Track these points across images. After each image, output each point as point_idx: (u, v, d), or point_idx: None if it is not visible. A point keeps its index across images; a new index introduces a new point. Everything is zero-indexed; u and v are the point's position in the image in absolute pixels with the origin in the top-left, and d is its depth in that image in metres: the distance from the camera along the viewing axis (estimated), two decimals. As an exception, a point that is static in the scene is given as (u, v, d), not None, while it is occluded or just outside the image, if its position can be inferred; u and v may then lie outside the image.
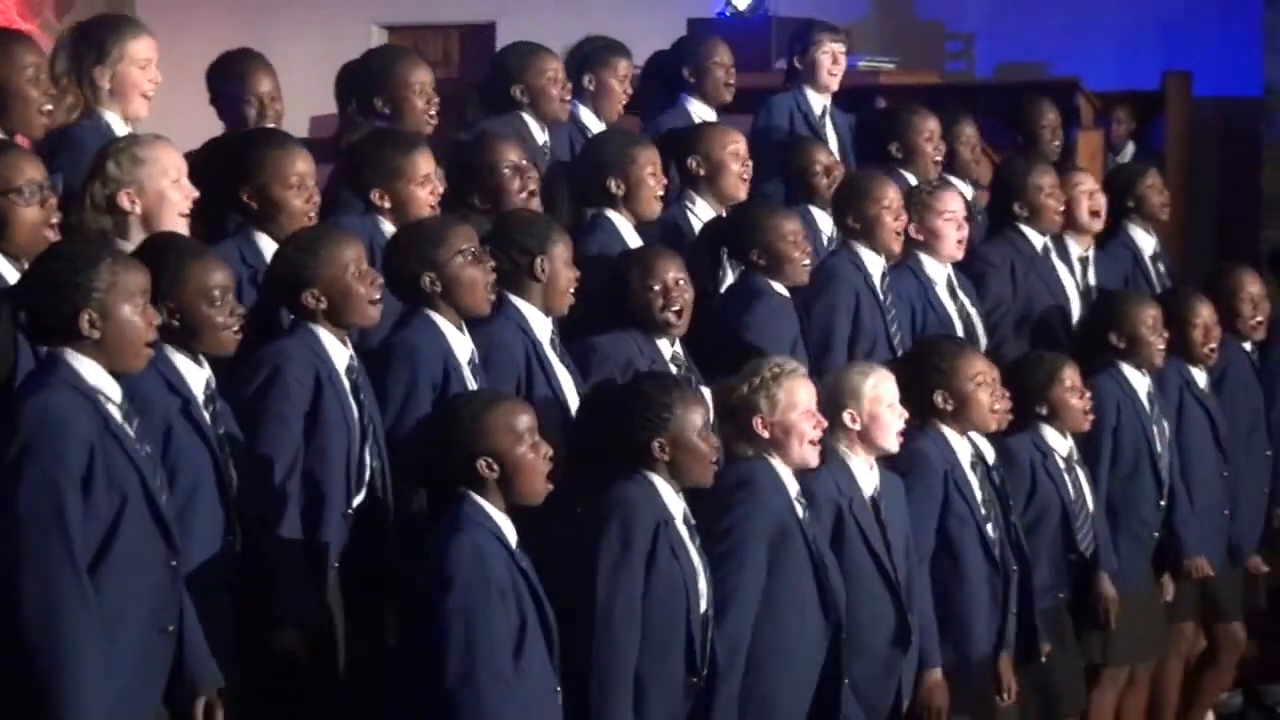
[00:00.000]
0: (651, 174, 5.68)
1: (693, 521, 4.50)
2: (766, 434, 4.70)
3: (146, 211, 4.72)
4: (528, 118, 6.12)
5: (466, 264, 4.74)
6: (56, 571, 3.87)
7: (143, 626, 4.01)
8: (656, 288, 5.10)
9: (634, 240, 5.59)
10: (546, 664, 4.12)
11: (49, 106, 4.98)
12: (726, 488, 4.62)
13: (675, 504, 4.46)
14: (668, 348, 5.17)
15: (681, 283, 5.16)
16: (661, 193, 5.75)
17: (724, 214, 5.90)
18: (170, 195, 4.74)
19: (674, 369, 5.13)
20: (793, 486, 4.74)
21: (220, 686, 4.14)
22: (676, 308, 5.12)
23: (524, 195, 5.42)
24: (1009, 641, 5.40)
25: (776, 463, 4.74)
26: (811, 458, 4.74)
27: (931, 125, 6.75)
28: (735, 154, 5.98)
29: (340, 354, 4.55)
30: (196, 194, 4.81)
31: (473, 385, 4.71)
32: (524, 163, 5.47)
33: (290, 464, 4.46)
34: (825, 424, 4.80)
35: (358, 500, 4.54)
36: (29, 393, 3.95)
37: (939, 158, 6.77)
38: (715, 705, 4.52)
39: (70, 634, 3.87)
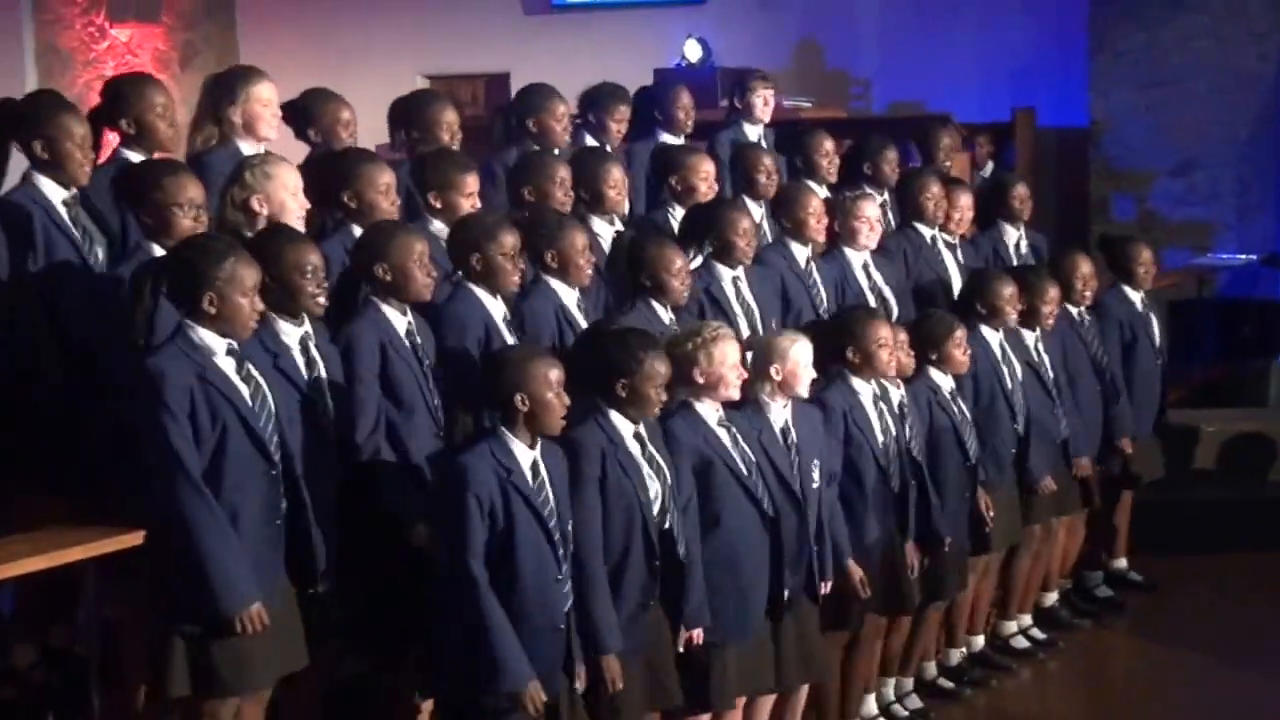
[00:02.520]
0: (611, 187, 6.17)
1: (644, 436, 4.83)
2: (702, 380, 5.09)
3: (271, 215, 5.04)
4: None
5: (505, 256, 5.15)
6: (175, 479, 4.26)
7: (257, 519, 4.42)
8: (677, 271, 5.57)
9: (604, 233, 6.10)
10: (546, 556, 4.46)
11: (172, 134, 5.40)
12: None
13: (626, 428, 4.79)
14: (665, 313, 5.59)
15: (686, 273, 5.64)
16: (620, 199, 6.22)
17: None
18: (289, 204, 5.09)
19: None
20: (712, 419, 5.13)
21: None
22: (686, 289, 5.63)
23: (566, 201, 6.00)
24: (912, 531, 5.94)
25: (701, 405, 5.12)
26: (734, 395, 5.16)
27: (828, 145, 7.37)
28: (705, 178, 6.66)
29: (400, 322, 4.94)
30: (309, 205, 5.17)
31: (509, 339, 5.10)
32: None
33: (375, 410, 4.84)
34: (746, 375, 5.20)
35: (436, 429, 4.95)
36: (147, 355, 4.36)
37: (833, 170, 7.34)
38: (688, 583, 4.93)
39: (198, 524, 4.25)
